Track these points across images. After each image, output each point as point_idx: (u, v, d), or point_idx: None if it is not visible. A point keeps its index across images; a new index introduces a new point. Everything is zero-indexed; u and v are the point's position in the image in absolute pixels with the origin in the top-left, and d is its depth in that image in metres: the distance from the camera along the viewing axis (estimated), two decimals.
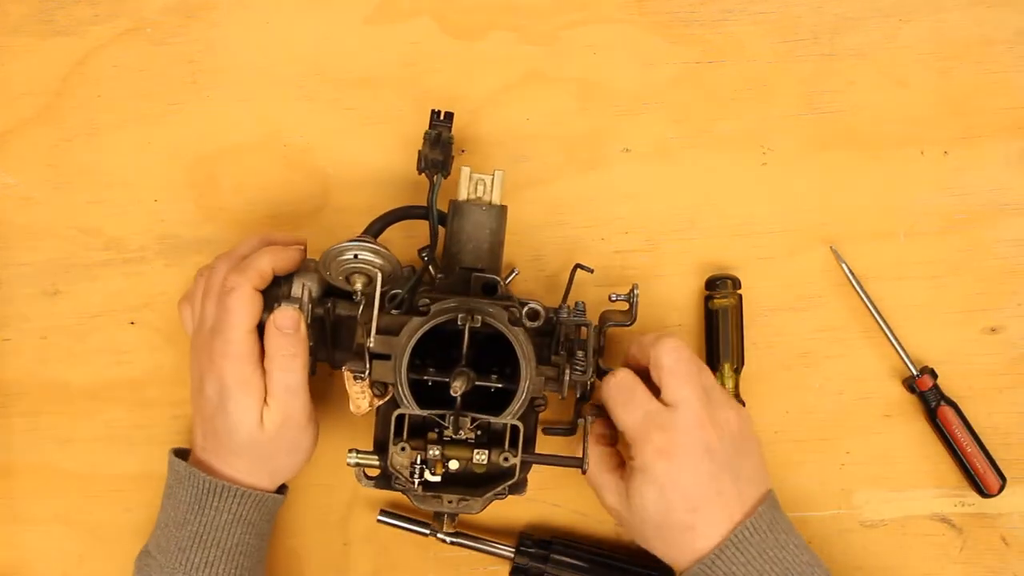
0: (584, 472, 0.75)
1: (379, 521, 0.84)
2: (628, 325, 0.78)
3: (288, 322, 0.74)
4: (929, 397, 0.84)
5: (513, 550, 0.83)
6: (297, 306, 0.75)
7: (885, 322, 0.85)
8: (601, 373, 0.78)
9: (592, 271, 0.79)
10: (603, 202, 0.86)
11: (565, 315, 0.76)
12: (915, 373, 0.84)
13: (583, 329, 0.77)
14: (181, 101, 0.87)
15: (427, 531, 0.84)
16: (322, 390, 0.84)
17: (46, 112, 0.87)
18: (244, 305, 0.74)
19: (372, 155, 0.86)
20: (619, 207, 0.86)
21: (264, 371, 0.75)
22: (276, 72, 0.87)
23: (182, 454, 0.78)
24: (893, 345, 0.85)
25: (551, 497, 0.85)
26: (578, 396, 0.77)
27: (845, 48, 0.87)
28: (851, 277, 0.85)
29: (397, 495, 0.86)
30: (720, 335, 0.84)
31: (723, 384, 0.83)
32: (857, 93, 0.86)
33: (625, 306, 0.78)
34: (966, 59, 0.86)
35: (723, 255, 0.86)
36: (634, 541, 0.77)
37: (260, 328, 0.76)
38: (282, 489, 0.80)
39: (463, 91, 0.86)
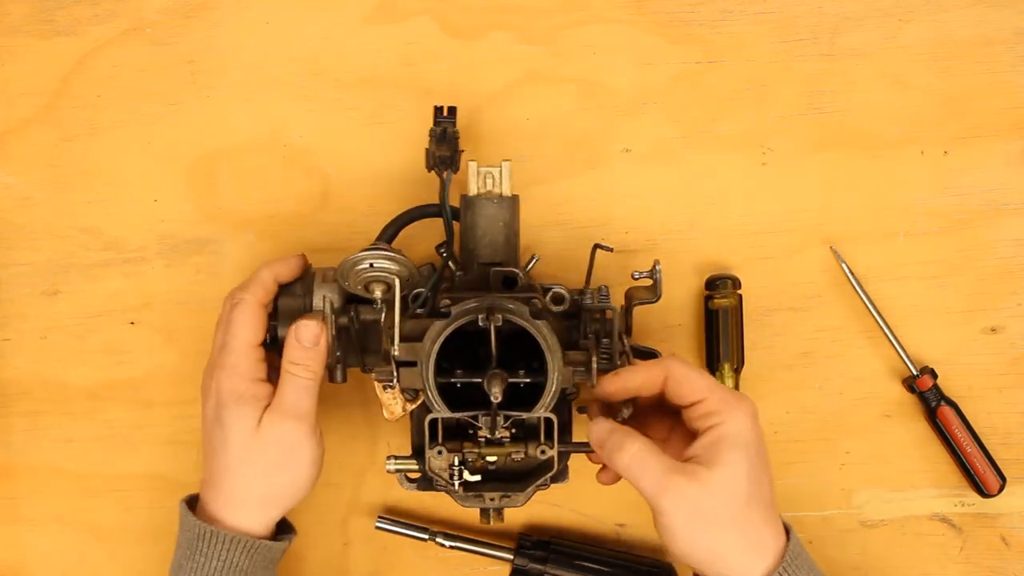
0: None
1: (377, 528, 0.84)
2: (653, 302, 0.77)
3: (309, 336, 0.74)
4: (929, 397, 0.84)
5: (513, 551, 0.83)
6: (321, 319, 0.75)
7: (885, 322, 0.85)
8: (633, 352, 0.76)
9: (612, 250, 0.78)
10: (603, 202, 0.86)
11: (589, 301, 0.76)
12: (915, 373, 0.84)
13: (609, 312, 0.77)
14: (181, 101, 0.87)
15: (425, 536, 0.84)
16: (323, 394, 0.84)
17: (46, 112, 0.87)
18: (246, 318, 0.75)
19: (372, 155, 0.86)
20: (619, 207, 0.86)
21: (269, 386, 0.75)
22: (276, 72, 0.87)
23: (192, 500, 0.77)
24: (893, 345, 0.85)
25: (551, 497, 0.85)
26: None
27: (845, 48, 0.87)
28: (851, 277, 0.85)
29: (396, 499, 0.86)
30: (720, 335, 0.84)
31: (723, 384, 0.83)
32: (857, 93, 0.86)
33: (649, 282, 0.77)
34: (966, 59, 0.86)
35: (723, 255, 0.86)
36: (698, 555, 0.69)
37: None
38: (283, 533, 0.78)
39: (463, 91, 0.86)
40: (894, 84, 0.87)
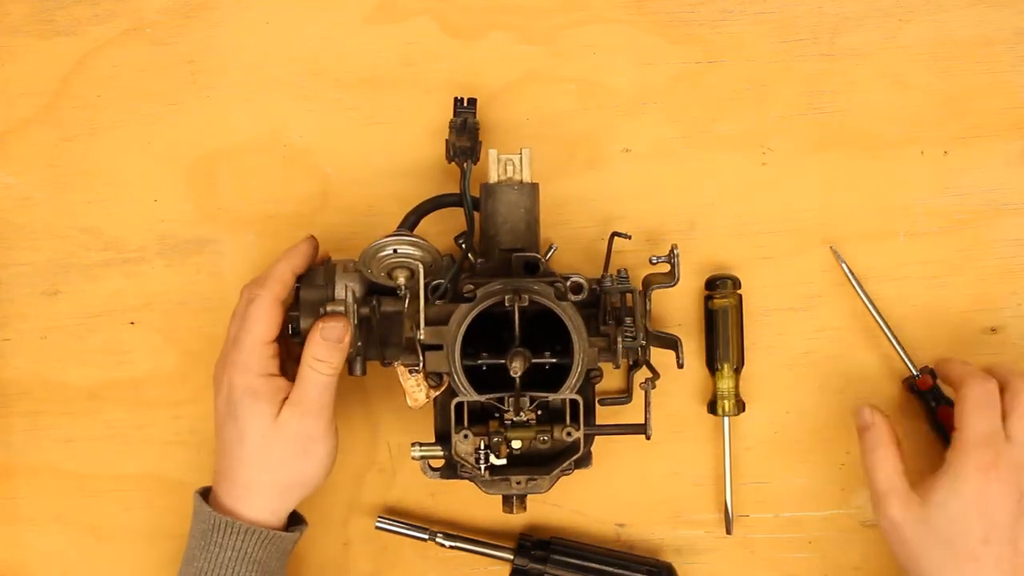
0: (648, 438, 0.75)
1: (377, 528, 0.84)
2: (671, 285, 0.77)
3: (334, 334, 0.74)
4: (929, 397, 0.84)
5: (513, 551, 0.83)
6: (344, 313, 0.75)
7: (885, 322, 0.85)
8: (652, 338, 0.77)
9: (630, 237, 0.79)
10: (603, 202, 0.86)
11: (609, 284, 0.76)
12: (915, 373, 0.84)
13: (628, 296, 0.77)
14: (181, 101, 0.87)
15: (425, 536, 0.84)
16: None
17: (46, 112, 0.87)
18: (260, 315, 0.75)
19: (372, 155, 0.86)
20: (619, 207, 0.86)
21: (283, 380, 0.75)
22: (276, 72, 0.87)
23: (206, 492, 0.77)
24: (893, 345, 0.85)
25: (551, 497, 0.85)
26: (631, 363, 0.77)
27: (845, 48, 0.87)
28: (851, 277, 0.85)
29: (396, 499, 0.86)
30: (720, 335, 0.84)
31: (723, 384, 0.83)
32: (857, 93, 0.86)
33: (667, 267, 0.78)
34: (966, 59, 0.86)
35: (723, 255, 0.86)
36: (904, 564, 0.75)
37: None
38: (295, 524, 0.78)
39: (463, 91, 0.86)
40: (894, 84, 0.87)
